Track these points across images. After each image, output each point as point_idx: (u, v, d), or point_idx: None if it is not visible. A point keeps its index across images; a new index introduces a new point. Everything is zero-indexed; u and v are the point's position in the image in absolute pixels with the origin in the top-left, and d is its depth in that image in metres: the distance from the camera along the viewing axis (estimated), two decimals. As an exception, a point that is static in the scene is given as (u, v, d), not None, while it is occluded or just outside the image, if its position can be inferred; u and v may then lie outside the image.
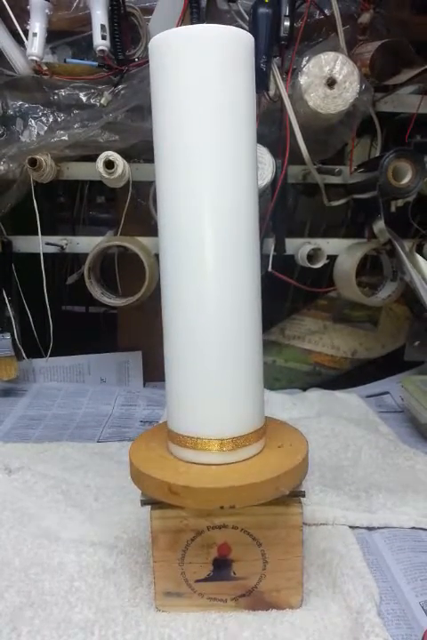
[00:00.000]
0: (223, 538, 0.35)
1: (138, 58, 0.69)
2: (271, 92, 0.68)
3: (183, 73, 0.34)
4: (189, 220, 0.35)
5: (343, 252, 0.79)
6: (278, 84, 0.68)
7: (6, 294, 0.77)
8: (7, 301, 0.77)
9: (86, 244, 0.77)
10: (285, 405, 0.74)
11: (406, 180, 0.70)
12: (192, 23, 0.65)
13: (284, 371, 0.86)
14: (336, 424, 0.66)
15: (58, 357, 0.84)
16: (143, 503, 0.36)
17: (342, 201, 0.79)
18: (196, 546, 0.36)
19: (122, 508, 0.49)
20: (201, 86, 0.34)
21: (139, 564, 0.41)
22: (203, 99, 0.34)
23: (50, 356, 0.80)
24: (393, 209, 0.83)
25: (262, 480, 0.33)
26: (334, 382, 0.84)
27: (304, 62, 0.67)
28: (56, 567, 0.41)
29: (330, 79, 0.67)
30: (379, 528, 0.46)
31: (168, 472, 0.35)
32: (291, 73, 0.68)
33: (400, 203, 0.83)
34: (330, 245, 0.79)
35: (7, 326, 0.77)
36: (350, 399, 0.76)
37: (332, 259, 0.80)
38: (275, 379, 0.85)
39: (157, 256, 0.72)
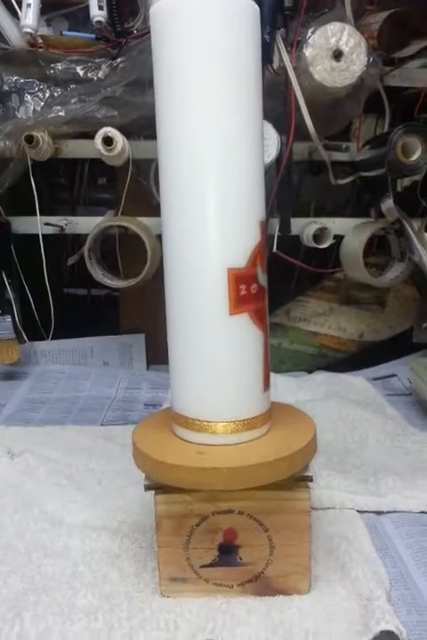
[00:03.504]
0: (229, 523, 0.35)
1: (137, 29, 0.67)
2: (275, 65, 0.66)
3: (187, 38, 0.32)
4: (193, 195, 0.33)
5: (350, 231, 0.78)
6: (283, 56, 0.66)
7: (6, 276, 0.76)
8: (7, 283, 0.76)
9: (87, 225, 0.75)
10: (290, 388, 0.73)
11: (415, 157, 0.68)
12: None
13: (289, 353, 0.85)
14: (343, 407, 0.65)
15: (60, 340, 0.83)
16: (147, 488, 0.35)
17: (349, 179, 0.77)
18: (201, 531, 0.35)
19: (126, 492, 0.48)
20: (205, 52, 0.32)
21: (143, 548, 0.41)
22: (207, 64, 0.32)
23: (52, 338, 0.79)
24: (399, 188, 0.81)
25: (269, 460, 0.32)
26: (340, 365, 0.83)
27: (310, 33, 0.65)
28: (59, 552, 0.41)
29: (337, 51, 0.65)
30: (388, 512, 0.45)
31: (172, 455, 0.34)
32: (296, 45, 0.66)
33: (407, 182, 0.81)
34: (336, 225, 0.77)
35: (8, 309, 0.76)
36: (356, 382, 0.75)
37: (338, 239, 0.78)
38: (280, 361, 0.84)
39: (159, 237, 0.71)
